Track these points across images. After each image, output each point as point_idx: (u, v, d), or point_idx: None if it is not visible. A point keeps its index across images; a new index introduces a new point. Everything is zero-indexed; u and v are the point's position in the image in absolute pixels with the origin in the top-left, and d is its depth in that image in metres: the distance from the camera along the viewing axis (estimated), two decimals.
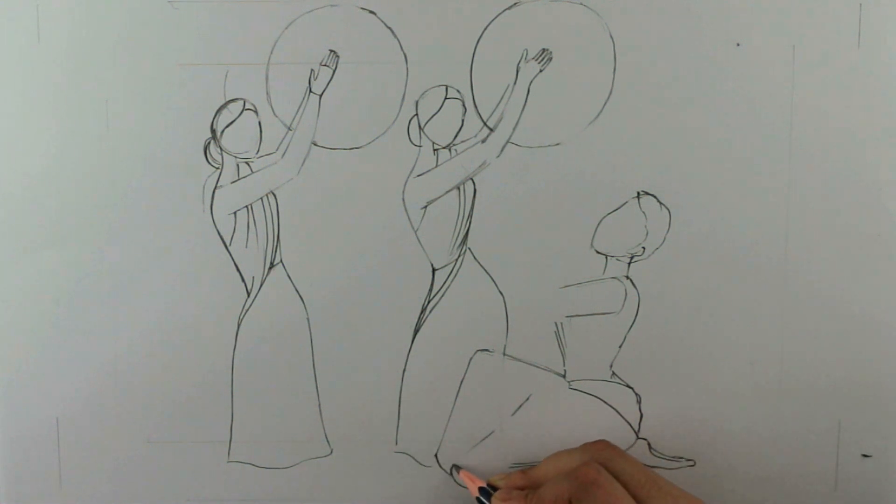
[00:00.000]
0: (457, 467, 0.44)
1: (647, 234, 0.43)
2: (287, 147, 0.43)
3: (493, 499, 0.42)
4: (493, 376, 0.44)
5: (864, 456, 0.43)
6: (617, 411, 0.44)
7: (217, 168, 0.43)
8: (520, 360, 0.44)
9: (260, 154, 0.43)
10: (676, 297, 0.43)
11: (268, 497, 0.45)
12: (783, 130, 0.42)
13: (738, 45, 0.42)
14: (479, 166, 0.43)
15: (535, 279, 0.43)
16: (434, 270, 0.43)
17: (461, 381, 0.44)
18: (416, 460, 0.45)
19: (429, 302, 0.44)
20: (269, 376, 0.44)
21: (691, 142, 0.42)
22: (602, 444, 0.40)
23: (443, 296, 0.44)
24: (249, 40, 0.42)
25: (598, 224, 0.43)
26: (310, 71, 0.42)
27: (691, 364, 0.43)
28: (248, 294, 0.44)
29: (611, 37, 0.42)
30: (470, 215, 0.43)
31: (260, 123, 0.43)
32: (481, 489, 0.42)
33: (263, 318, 0.44)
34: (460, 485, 0.44)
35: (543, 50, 0.42)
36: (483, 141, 0.43)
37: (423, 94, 0.42)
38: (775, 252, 0.43)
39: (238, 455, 0.44)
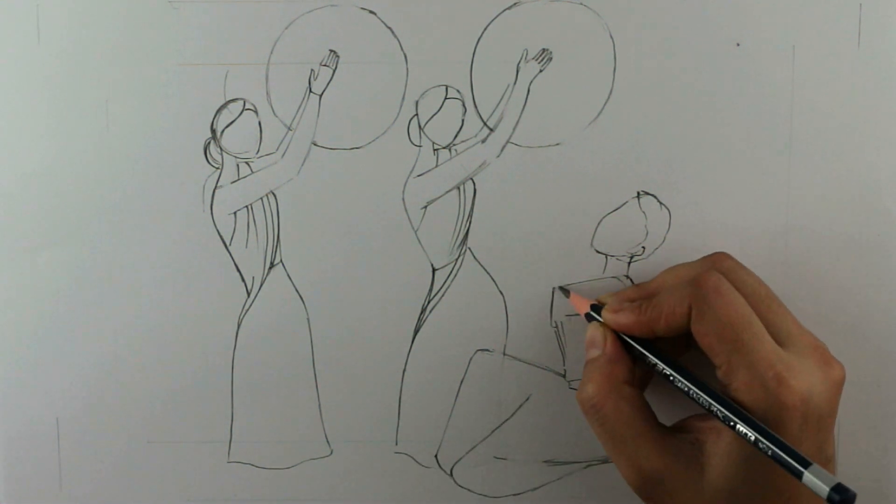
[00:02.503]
0: (565, 290, 0.43)
1: (647, 234, 0.43)
2: (287, 147, 0.43)
3: (603, 312, 0.39)
4: (493, 376, 0.44)
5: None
6: None
7: (217, 168, 0.43)
8: (520, 360, 0.44)
9: (260, 154, 0.43)
10: None
11: (268, 497, 0.45)
12: (783, 130, 0.42)
13: (738, 45, 0.42)
14: (479, 166, 0.43)
15: (535, 279, 0.43)
16: (434, 270, 0.43)
17: (461, 381, 0.44)
18: (415, 460, 0.45)
19: (429, 302, 0.44)
20: (269, 376, 0.44)
21: (691, 142, 0.42)
22: (722, 255, 0.39)
23: (443, 296, 0.44)
24: (249, 40, 0.42)
25: (598, 224, 0.43)
26: (310, 71, 0.42)
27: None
28: (248, 294, 0.44)
29: (611, 37, 0.42)
30: (470, 215, 0.43)
31: (260, 123, 0.43)
32: (592, 306, 0.40)
33: (263, 318, 0.44)
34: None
35: (543, 50, 0.42)
36: (483, 141, 0.43)
37: (423, 94, 0.42)
38: (775, 252, 0.43)
39: (238, 455, 0.44)
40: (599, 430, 0.38)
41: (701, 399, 0.36)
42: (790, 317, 0.37)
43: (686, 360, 0.39)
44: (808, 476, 0.32)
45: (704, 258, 0.39)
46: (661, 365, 0.38)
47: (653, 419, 0.37)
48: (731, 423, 0.34)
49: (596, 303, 0.41)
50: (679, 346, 0.39)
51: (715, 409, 0.35)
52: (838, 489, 0.31)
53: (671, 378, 0.37)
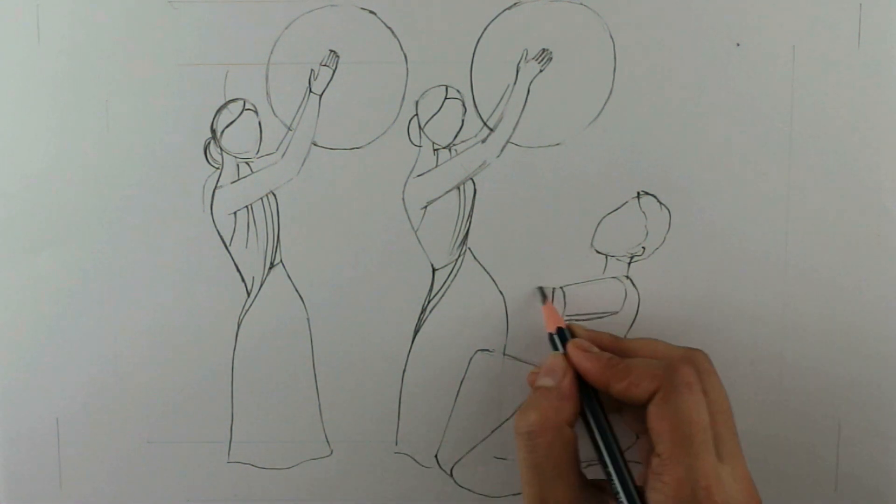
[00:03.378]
0: (543, 294, 0.42)
1: (647, 234, 0.43)
2: (287, 147, 0.43)
3: (570, 346, 0.39)
4: (493, 376, 0.44)
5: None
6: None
7: (217, 168, 0.43)
8: (520, 360, 0.44)
9: (260, 154, 0.43)
10: (676, 297, 0.43)
11: (268, 497, 0.45)
12: (783, 130, 0.42)
13: (738, 45, 0.42)
14: (479, 166, 0.43)
15: (535, 279, 0.43)
16: (434, 270, 0.43)
17: (461, 381, 0.44)
18: (415, 460, 0.45)
19: (429, 302, 0.44)
20: (269, 376, 0.44)
21: (691, 142, 0.42)
22: (702, 356, 0.39)
23: (443, 296, 0.44)
24: (249, 40, 0.42)
25: (598, 224, 0.43)
26: (310, 71, 0.42)
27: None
28: (248, 294, 0.44)
29: (611, 37, 0.42)
30: (470, 215, 0.43)
31: (260, 123, 0.43)
32: (559, 329, 0.40)
33: (263, 318, 0.44)
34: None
35: (543, 50, 0.42)
36: (483, 141, 0.43)
37: (423, 94, 0.42)
38: (775, 252, 0.43)
39: (238, 455, 0.44)
40: (526, 457, 0.37)
41: (613, 485, 0.36)
42: (736, 439, 0.38)
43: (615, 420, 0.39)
44: None
45: (686, 349, 0.39)
46: (596, 434, 0.38)
47: (577, 466, 0.38)
48: None
49: (564, 327, 0.40)
50: (617, 407, 0.40)
51: (621, 499, 0.36)
52: None
53: (599, 452, 0.37)
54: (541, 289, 0.43)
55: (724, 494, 0.35)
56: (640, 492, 0.36)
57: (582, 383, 0.39)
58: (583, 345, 0.39)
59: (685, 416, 0.35)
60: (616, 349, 0.40)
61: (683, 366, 0.37)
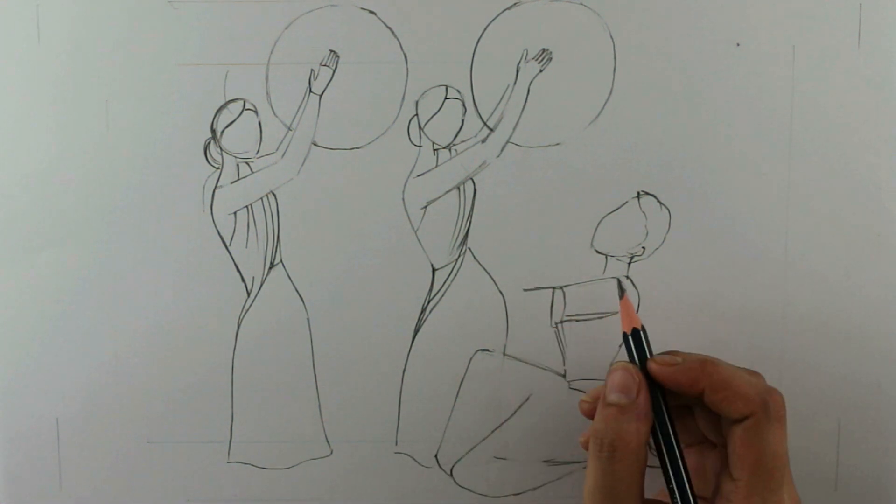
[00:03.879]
0: (621, 287, 0.39)
1: (647, 234, 0.43)
2: (287, 147, 0.43)
3: (652, 364, 0.37)
4: (493, 376, 0.44)
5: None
6: None
7: (217, 168, 0.43)
8: (520, 360, 0.44)
9: (260, 154, 0.43)
10: (676, 297, 0.43)
11: (268, 497, 0.45)
12: (783, 130, 0.42)
13: (738, 45, 0.42)
14: (479, 166, 0.43)
15: (535, 279, 0.43)
16: (434, 270, 0.43)
17: (461, 381, 0.44)
18: (415, 460, 0.45)
19: (429, 302, 0.44)
20: (269, 376, 0.44)
21: (691, 142, 0.42)
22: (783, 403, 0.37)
23: (443, 296, 0.44)
24: (249, 40, 0.42)
25: (598, 224, 0.43)
26: (310, 71, 0.42)
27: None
28: (248, 294, 0.44)
29: (611, 37, 0.42)
30: (470, 215, 0.43)
31: (260, 123, 0.43)
32: (634, 330, 0.38)
33: (263, 318, 0.44)
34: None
35: (543, 50, 0.42)
36: (483, 141, 0.43)
37: (423, 94, 0.42)
38: (775, 252, 0.43)
39: (238, 455, 0.44)
40: (599, 479, 0.36)
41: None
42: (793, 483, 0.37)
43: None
44: None
45: (763, 383, 0.38)
46: (666, 457, 0.36)
47: (642, 490, 0.36)
48: None
49: (640, 328, 0.38)
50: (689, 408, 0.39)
51: None
52: None
53: (666, 470, 0.36)
54: (618, 281, 0.42)
55: None
56: None
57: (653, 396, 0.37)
58: (664, 359, 0.37)
59: (773, 450, 0.35)
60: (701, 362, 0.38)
61: (779, 397, 0.36)
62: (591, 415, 0.38)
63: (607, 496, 0.36)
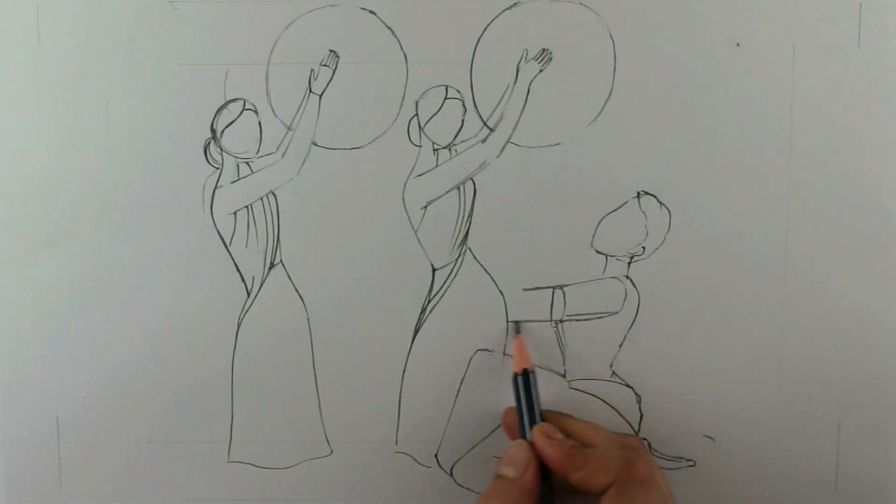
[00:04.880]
0: (517, 327, 0.42)
1: (647, 234, 0.43)
2: (287, 147, 0.43)
3: (535, 430, 0.39)
4: (493, 376, 0.44)
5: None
6: (617, 411, 0.44)
7: (217, 168, 0.43)
8: None
9: (260, 154, 0.43)
10: (676, 297, 0.43)
11: (268, 497, 0.45)
12: (783, 130, 0.42)
13: (738, 45, 0.42)
14: (479, 166, 0.43)
15: (535, 279, 0.43)
16: (434, 270, 0.43)
17: (461, 381, 0.44)
18: (415, 460, 0.45)
19: (429, 302, 0.44)
20: (269, 376, 0.44)
21: (691, 142, 0.42)
22: (643, 448, 0.39)
23: (443, 296, 0.44)
24: (249, 40, 0.42)
25: (598, 224, 0.43)
26: (310, 71, 0.42)
27: (691, 364, 0.43)
28: (248, 294, 0.44)
29: (611, 37, 0.42)
30: (470, 215, 0.43)
31: (260, 123, 0.43)
32: (524, 370, 0.41)
33: (263, 318, 0.44)
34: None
35: (543, 50, 0.42)
36: (483, 141, 0.43)
37: (423, 94, 0.42)
38: (775, 252, 0.43)
39: (238, 455, 0.44)
40: None
41: None
42: None
43: None
44: None
45: (628, 437, 0.40)
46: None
47: None
48: None
49: (530, 369, 0.41)
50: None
51: None
52: None
53: None
54: (516, 323, 0.43)
55: None
56: None
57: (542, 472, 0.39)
58: (547, 430, 0.39)
59: None
60: (569, 430, 0.40)
61: (640, 461, 0.37)
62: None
63: None
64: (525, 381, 0.41)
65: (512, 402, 0.42)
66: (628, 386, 0.44)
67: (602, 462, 0.37)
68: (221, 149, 0.43)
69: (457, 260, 0.43)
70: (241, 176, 0.43)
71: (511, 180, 0.43)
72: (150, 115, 0.42)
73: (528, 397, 0.41)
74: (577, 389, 0.44)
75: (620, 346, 0.44)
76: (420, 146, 0.43)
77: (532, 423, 0.40)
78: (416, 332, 0.44)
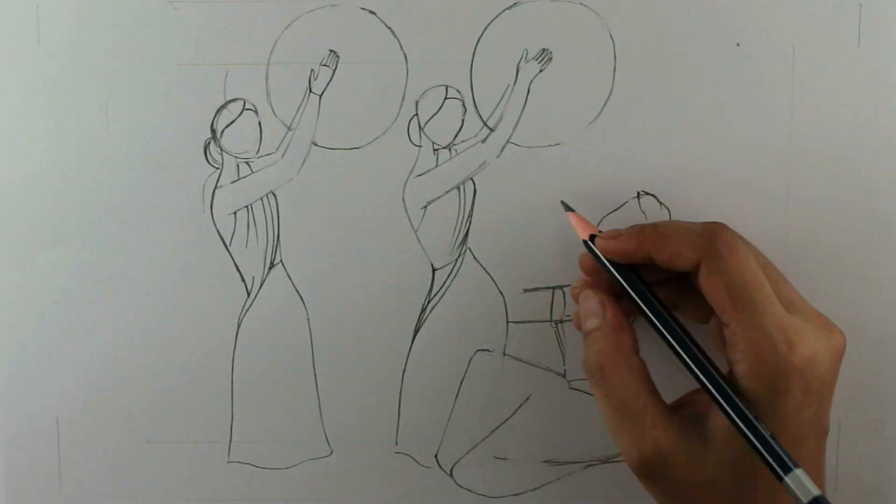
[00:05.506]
0: (566, 205, 0.41)
1: None
2: (287, 147, 0.43)
3: (598, 239, 0.38)
4: (493, 376, 0.44)
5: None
6: None
7: (217, 168, 0.43)
8: (520, 360, 0.44)
9: (260, 154, 0.43)
10: None
11: (268, 497, 0.45)
12: (783, 130, 0.42)
13: (738, 45, 0.42)
14: (479, 166, 0.43)
15: (535, 279, 0.43)
16: (434, 270, 0.43)
17: (461, 381, 0.44)
18: (415, 460, 0.45)
19: (429, 302, 0.44)
20: (269, 376, 0.44)
21: (691, 142, 0.42)
22: (724, 225, 0.37)
23: (443, 296, 0.44)
24: (249, 40, 0.42)
25: (598, 224, 0.43)
26: (310, 71, 0.42)
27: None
28: (248, 294, 0.44)
29: (611, 37, 0.42)
30: (470, 215, 0.43)
31: (260, 123, 0.43)
32: (592, 236, 0.39)
33: (263, 318, 0.44)
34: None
35: (543, 50, 0.42)
36: (483, 141, 0.43)
37: (423, 94, 0.42)
38: (775, 252, 0.43)
39: (238, 455, 0.44)
40: (605, 401, 0.36)
41: (699, 379, 0.35)
42: (790, 285, 0.37)
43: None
44: (788, 482, 0.32)
45: (706, 223, 0.37)
46: (662, 331, 0.36)
47: (657, 393, 0.36)
48: (725, 412, 0.34)
49: (598, 233, 0.39)
50: (670, 297, 0.39)
51: (711, 394, 0.34)
52: (818, 502, 0.31)
53: (669, 346, 0.36)
54: (563, 202, 0.42)
55: (803, 341, 0.34)
56: (726, 377, 0.35)
57: (629, 298, 0.37)
58: (608, 234, 0.38)
59: (739, 279, 0.34)
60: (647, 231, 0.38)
61: (721, 229, 0.36)
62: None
63: (621, 413, 0.36)
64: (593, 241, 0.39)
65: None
66: None
67: (683, 237, 0.35)
68: (221, 149, 0.43)
69: (457, 260, 0.43)
70: (241, 176, 0.43)
71: (511, 180, 0.43)
72: (150, 115, 0.42)
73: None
74: (577, 389, 0.44)
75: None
76: (420, 146, 0.43)
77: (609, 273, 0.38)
78: (416, 332, 0.44)
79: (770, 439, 0.32)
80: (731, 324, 0.35)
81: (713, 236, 0.35)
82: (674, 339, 0.36)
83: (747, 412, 0.33)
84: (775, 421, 0.33)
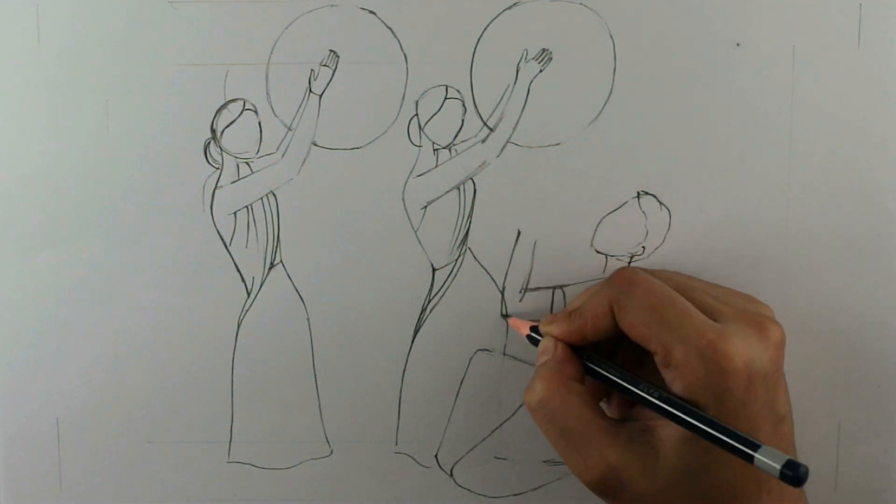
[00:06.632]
0: (506, 316, 0.43)
1: (647, 234, 0.43)
2: (287, 147, 0.43)
3: (540, 325, 0.40)
4: (493, 376, 0.44)
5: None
6: None
7: (217, 168, 0.43)
8: (520, 360, 0.44)
9: (260, 154, 0.43)
10: None
11: (268, 497, 0.45)
12: (783, 130, 0.42)
13: (738, 45, 0.42)
14: (479, 166, 0.43)
15: (535, 279, 0.43)
16: (434, 270, 0.44)
17: (461, 381, 0.44)
18: (415, 460, 0.45)
19: (429, 302, 0.44)
20: (269, 376, 0.44)
21: (691, 142, 0.42)
22: (630, 267, 0.39)
23: (443, 296, 0.44)
24: (249, 40, 0.42)
25: (598, 224, 0.43)
26: (310, 71, 0.42)
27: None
28: (248, 294, 0.44)
29: (611, 37, 0.42)
30: (470, 215, 0.43)
31: (260, 123, 0.43)
32: (532, 328, 0.41)
33: (263, 318, 0.44)
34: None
35: (543, 50, 0.42)
36: (483, 141, 0.43)
37: (423, 94, 0.42)
38: (775, 252, 0.43)
39: (238, 455, 0.44)
40: (548, 427, 0.37)
41: (645, 398, 0.35)
42: (714, 291, 0.38)
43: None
44: (758, 459, 0.32)
45: (610, 276, 0.40)
46: (603, 372, 0.38)
47: (601, 412, 0.37)
48: (676, 419, 0.34)
49: (535, 324, 0.41)
50: (616, 350, 0.40)
51: (658, 405, 0.35)
52: (790, 465, 0.31)
53: (616, 382, 0.37)
54: (503, 315, 0.43)
55: (729, 342, 0.34)
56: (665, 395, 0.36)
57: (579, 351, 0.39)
58: (547, 319, 0.40)
59: (647, 305, 0.35)
60: (572, 307, 0.40)
61: (619, 271, 0.38)
62: None
63: (566, 436, 0.37)
64: (536, 332, 0.41)
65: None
66: None
67: (593, 303, 0.38)
68: (221, 149, 0.43)
69: (457, 260, 0.43)
70: (241, 176, 0.43)
71: (511, 180, 0.43)
72: (150, 115, 0.42)
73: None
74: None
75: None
76: (420, 146, 0.43)
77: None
78: (416, 332, 0.44)
79: (727, 427, 0.33)
80: (657, 351, 0.35)
81: (614, 281, 0.37)
82: (610, 373, 0.37)
83: (697, 411, 0.34)
84: (724, 420, 0.34)
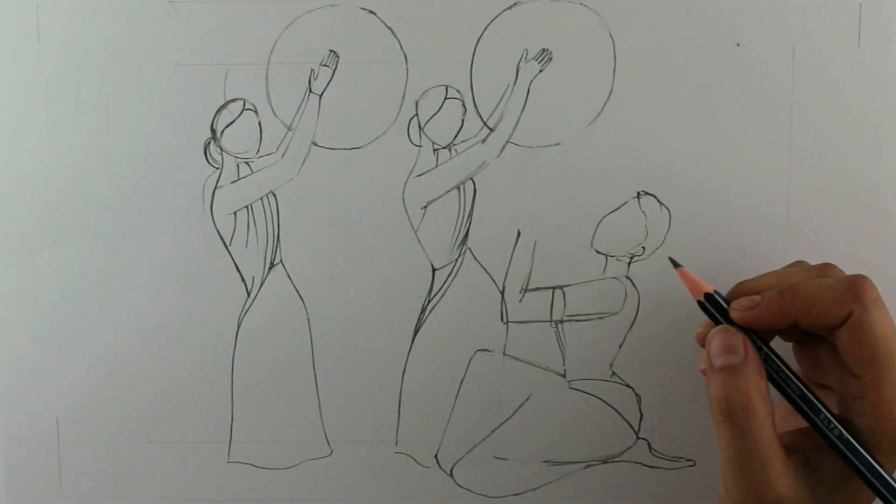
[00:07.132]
0: (674, 262, 0.39)
1: (647, 234, 0.43)
2: (287, 147, 0.43)
3: (732, 311, 0.36)
4: (493, 376, 0.44)
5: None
6: (617, 411, 0.44)
7: (217, 168, 0.43)
8: (520, 360, 0.44)
9: (260, 154, 0.43)
10: (676, 297, 0.43)
11: (268, 497, 0.45)
12: (783, 130, 0.42)
13: (738, 45, 0.42)
14: (479, 166, 0.43)
15: (535, 279, 0.43)
16: (434, 270, 0.43)
17: (461, 381, 0.44)
18: (415, 460, 0.45)
19: (429, 302, 0.44)
20: (269, 376, 0.44)
21: (691, 142, 0.42)
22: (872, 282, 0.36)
23: (443, 296, 0.44)
24: (249, 40, 0.42)
25: (598, 224, 0.43)
26: (310, 71, 0.42)
27: (691, 364, 0.43)
28: (248, 294, 0.44)
29: (611, 37, 0.42)
30: (470, 215, 0.43)
31: (260, 123, 0.43)
32: (707, 295, 0.37)
33: (263, 318, 0.44)
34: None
35: (543, 50, 0.42)
36: (483, 141, 0.43)
37: (423, 94, 0.42)
38: (775, 252, 0.43)
39: (238, 455, 0.44)
40: (739, 441, 0.35)
41: (828, 435, 0.35)
42: None
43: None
44: None
45: (846, 278, 0.36)
46: (795, 386, 0.36)
47: (780, 440, 0.35)
48: (857, 468, 0.34)
49: (713, 293, 0.37)
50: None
51: (842, 450, 0.34)
52: None
53: (796, 403, 0.36)
54: (671, 259, 0.40)
55: None
56: (844, 422, 0.35)
57: (770, 352, 0.36)
58: (742, 303, 0.36)
59: (882, 335, 0.34)
60: (773, 285, 0.37)
61: (867, 283, 0.35)
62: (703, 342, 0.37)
63: (751, 456, 0.34)
64: (713, 302, 0.37)
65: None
66: (628, 386, 0.44)
67: (828, 297, 0.35)
68: (221, 149, 0.43)
69: (457, 260, 0.43)
70: (241, 176, 0.43)
71: (511, 180, 0.43)
72: (150, 115, 0.42)
73: (722, 314, 0.37)
74: (577, 389, 0.44)
75: (620, 347, 0.44)
76: (420, 146, 0.43)
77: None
78: (416, 332, 0.44)
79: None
80: (864, 377, 0.34)
81: (859, 291, 0.35)
82: (802, 400, 0.36)
83: (883, 472, 0.34)
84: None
